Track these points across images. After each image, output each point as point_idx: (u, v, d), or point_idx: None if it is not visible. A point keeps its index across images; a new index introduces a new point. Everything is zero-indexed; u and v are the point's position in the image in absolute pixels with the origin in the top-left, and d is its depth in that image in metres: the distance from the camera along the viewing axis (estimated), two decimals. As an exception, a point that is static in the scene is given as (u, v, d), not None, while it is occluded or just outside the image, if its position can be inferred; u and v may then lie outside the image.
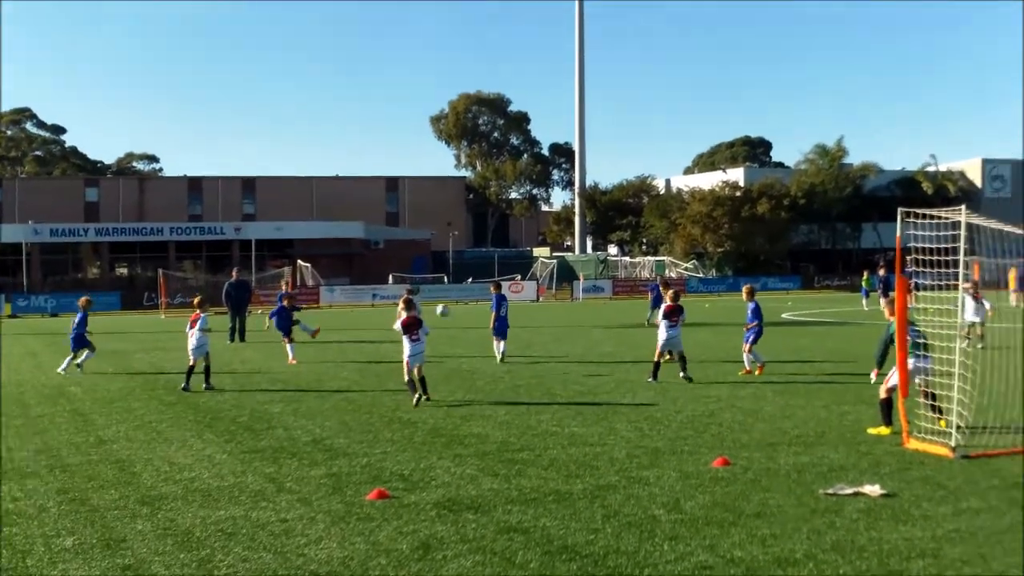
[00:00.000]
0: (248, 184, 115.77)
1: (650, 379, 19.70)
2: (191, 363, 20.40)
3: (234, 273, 34.72)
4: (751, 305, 20.95)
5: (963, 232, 11.88)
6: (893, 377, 13.44)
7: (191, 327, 20.53)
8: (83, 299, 25.15)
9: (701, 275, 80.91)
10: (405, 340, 17.30)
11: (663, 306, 20.78)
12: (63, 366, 23.92)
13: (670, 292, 21.27)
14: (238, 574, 7.93)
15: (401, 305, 17.93)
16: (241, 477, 11.56)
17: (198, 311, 20.74)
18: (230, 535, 9.01)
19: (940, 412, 13.12)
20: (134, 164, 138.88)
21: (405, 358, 17.29)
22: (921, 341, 13.40)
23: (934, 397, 13.38)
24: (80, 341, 24.20)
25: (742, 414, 15.42)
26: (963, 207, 12.08)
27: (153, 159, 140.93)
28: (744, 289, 21.74)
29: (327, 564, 8.11)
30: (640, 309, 55.49)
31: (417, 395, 16.95)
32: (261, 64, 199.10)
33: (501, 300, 25.88)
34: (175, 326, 47.34)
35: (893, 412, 13.29)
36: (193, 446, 13.77)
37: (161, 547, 8.70)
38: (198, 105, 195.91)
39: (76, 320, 24.52)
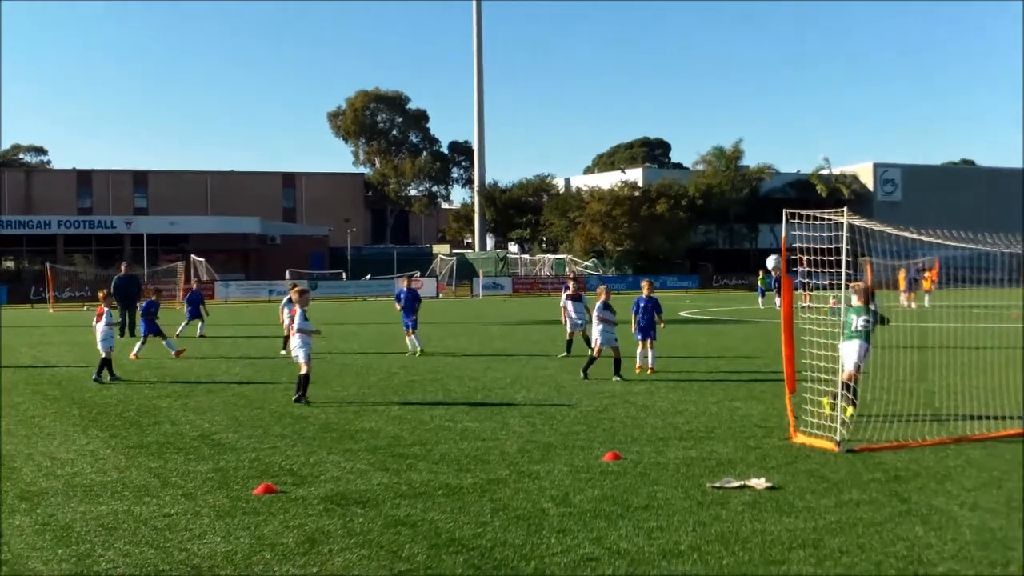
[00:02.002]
0: (140, 178, 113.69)
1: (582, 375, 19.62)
2: (103, 356, 20.14)
3: (122, 267, 34.04)
4: (642, 300, 20.91)
5: (845, 233, 12.12)
6: (848, 363, 13.96)
7: (97, 321, 20.30)
8: None
9: (601, 273, 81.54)
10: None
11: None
12: None
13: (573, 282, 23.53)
14: (118, 569, 7.75)
15: (296, 296, 17.41)
16: (125, 472, 11.31)
17: (102, 305, 20.56)
18: (111, 530, 8.80)
19: (854, 401, 13.80)
20: (21, 156, 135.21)
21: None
22: (869, 329, 14.17)
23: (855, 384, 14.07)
24: None
25: (635, 409, 15.54)
26: (845, 209, 12.33)
27: (40, 151, 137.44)
28: (644, 284, 21.52)
29: (210, 558, 7.97)
30: (541, 306, 55.79)
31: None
32: (153, 56, 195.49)
33: (400, 293, 26.31)
34: (63, 320, 46.34)
35: (842, 395, 13.58)
36: (76, 441, 13.45)
37: (39, 543, 8.47)
38: (87, 97, 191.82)
39: None
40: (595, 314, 19.85)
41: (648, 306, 20.72)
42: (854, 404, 13.74)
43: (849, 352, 14.10)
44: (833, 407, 12.77)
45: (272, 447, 12.71)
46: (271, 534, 8.61)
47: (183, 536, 8.59)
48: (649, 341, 20.63)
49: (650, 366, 20.43)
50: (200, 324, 32.72)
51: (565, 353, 23.96)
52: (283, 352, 24.34)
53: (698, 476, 10.66)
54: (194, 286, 35.43)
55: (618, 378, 19.13)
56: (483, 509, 9.36)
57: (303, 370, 16.47)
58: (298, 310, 16.81)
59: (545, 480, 10.56)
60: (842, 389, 13.30)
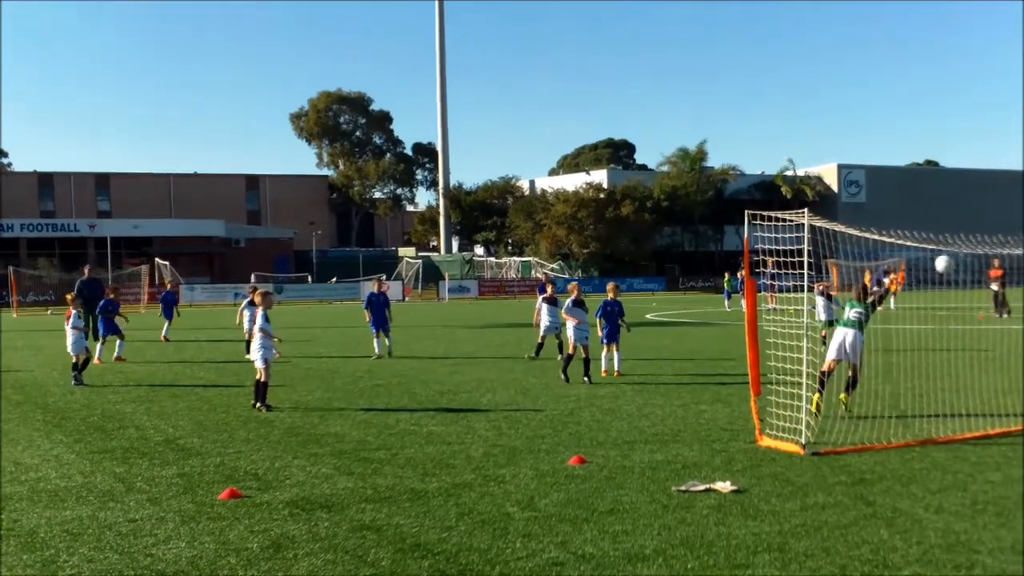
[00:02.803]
0: (102, 180, 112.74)
1: (562, 376, 19.68)
2: (73, 359, 20.36)
3: (86, 271, 33.78)
4: (608, 302, 20.94)
5: (807, 235, 12.21)
6: (832, 351, 14.97)
7: (66, 323, 20.69)
8: None
9: (567, 276, 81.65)
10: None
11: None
12: None
13: (550, 285, 24.53)
14: (83, 574, 7.70)
15: (258, 298, 17.32)
16: (89, 477, 11.24)
17: (71, 308, 20.86)
18: (76, 535, 8.75)
19: (851, 389, 14.99)
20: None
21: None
22: (862, 320, 15.01)
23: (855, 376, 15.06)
24: None
25: (601, 413, 15.58)
26: (806, 211, 12.42)
27: (1, 153, 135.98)
28: (610, 287, 21.56)
29: (175, 564, 7.93)
30: (507, 309, 55.85)
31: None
32: (113, 57, 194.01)
33: (370, 297, 26.56)
34: (27, 324, 45.95)
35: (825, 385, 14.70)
36: (41, 446, 13.36)
37: (3, 548, 8.41)
38: (48, 99, 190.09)
39: None
40: (564, 311, 19.90)
41: (613, 309, 20.72)
42: (820, 393, 14.32)
43: (837, 340, 15.02)
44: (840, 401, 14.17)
45: (237, 452, 12.66)
46: (236, 539, 8.58)
47: (148, 541, 8.55)
48: (614, 344, 20.67)
49: (616, 369, 20.48)
50: (166, 327, 32.76)
51: (533, 355, 23.98)
52: (247, 356, 24.25)
53: (663, 480, 10.69)
54: (168, 286, 35.74)
55: (587, 379, 19.19)
56: (448, 513, 9.36)
57: (261, 376, 16.32)
58: (260, 311, 16.69)
59: (510, 484, 10.57)
60: (820, 376, 14.19)
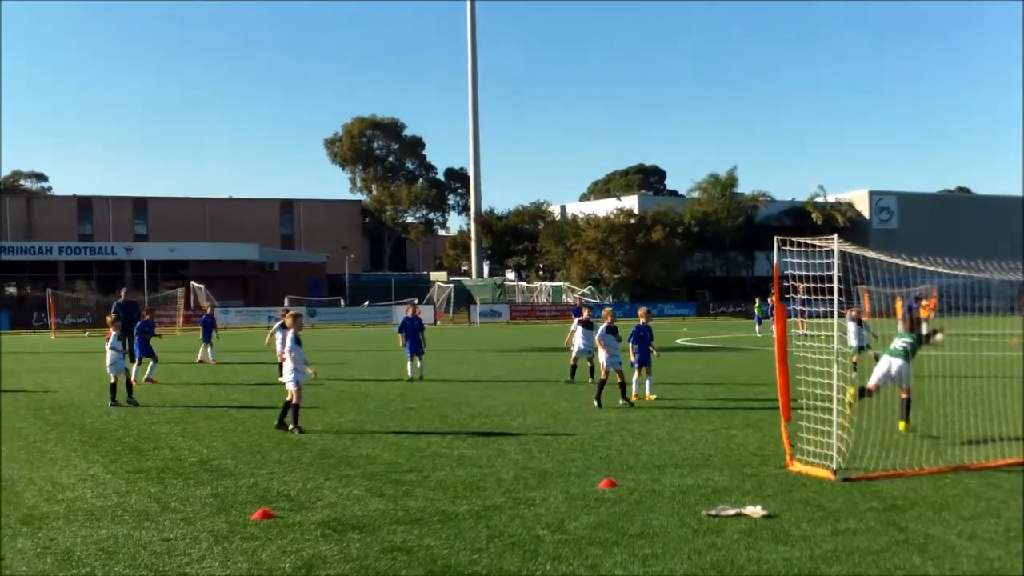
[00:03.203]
0: (139, 204, 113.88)
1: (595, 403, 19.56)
2: (111, 380, 20.60)
3: (122, 293, 34.09)
4: (638, 327, 20.97)
5: (836, 260, 12.22)
6: (876, 375, 15.54)
7: (107, 343, 20.94)
8: None
9: (598, 300, 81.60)
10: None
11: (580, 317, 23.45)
12: None
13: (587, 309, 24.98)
14: (117, 594, 7.81)
15: (289, 320, 17.41)
16: (125, 497, 11.37)
17: (111, 329, 21.11)
18: (111, 554, 8.87)
19: (907, 414, 15.41)
20: (22, 182, 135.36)
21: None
22: (910, 348, 15.37)
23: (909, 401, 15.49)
24: None
25: (631, 437, 15.60)
26: (835, 236, 12.43)
27: (41, 177, 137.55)
28: (642, 312, 21.65)
29: (209, 584, 8.03)
30: (538, 333, 55.86)
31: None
32: (153, 82, 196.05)
33: (405, 321, 26.81)
34: (65, 346, 46.39)
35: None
36: (77, 466, 13.51)
37: (40, 566, 8.53)
38: (88, 123, 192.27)
39: None
40: (598, 338, 19.93)
41: (645, 334, 20.78)
42: (859, 395, 15.17)
43: (882, 367, 15.50)
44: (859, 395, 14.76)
45: (270, 473, 12.76)
46: (269, 559, 8.67)
47: (182, 561, 8.65)
48: (646, 368, 20.69)
49: (648, 393, 20.50)
50: (206, 349, 33.11)
51: (569, 378, 24.10)
52: (281, 378, 24.43)
53: (694, 504, 10.70)
54: (208, 310, 36.14)
55: (624, 401, 19.26)
56: (479, 536, 9.41)
57: (292, 398, 16.36)
58: (290, 334, 16.78)
59: (541, 507, 10.60)
60: (862, 395, 15.07)
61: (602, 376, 19.79)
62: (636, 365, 20.62)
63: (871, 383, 15.47)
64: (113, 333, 20.97)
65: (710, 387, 23.42)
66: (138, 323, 26.27)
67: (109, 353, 20.69)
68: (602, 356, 19.74)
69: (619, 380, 19.59)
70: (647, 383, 20.71)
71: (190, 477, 12.55)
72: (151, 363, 25.49)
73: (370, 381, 25.87)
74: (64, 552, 8.96)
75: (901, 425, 15.36)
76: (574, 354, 24.23)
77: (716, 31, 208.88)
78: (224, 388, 24.28)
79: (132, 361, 25.75)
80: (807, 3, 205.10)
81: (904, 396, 15.54)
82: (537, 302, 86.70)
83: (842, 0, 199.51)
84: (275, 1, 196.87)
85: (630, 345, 20.66)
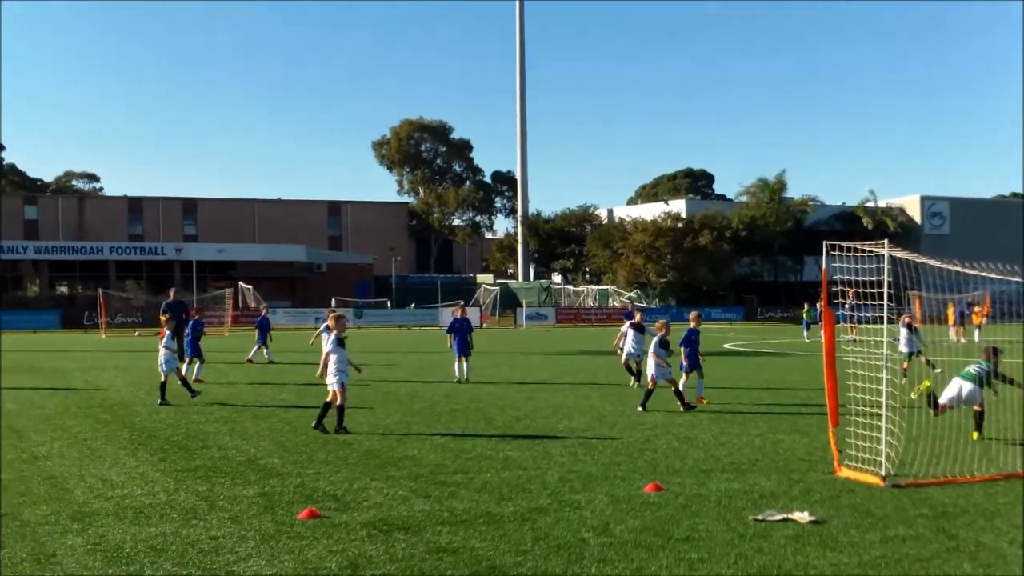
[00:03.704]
0: (189, 205, 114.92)
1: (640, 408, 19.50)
2: (162, 379, 20.90)
3: (171, 293, 34.46)
4: (689, 331, 20.88)
5: (886, 265, 12.11)
6: (947, 394, 15.63)
7: (161, 342, 21.24)
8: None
9: (644, 304, 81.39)
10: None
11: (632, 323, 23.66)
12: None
13: (639, 313, 25.08)
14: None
15: (332, 322, 17.40)
16: (173, 495, 11.48)
17: (164, 329, 21.41)
18: (160, 551, 8.95)
19: (981, 426, 15.50)
20: (74, 182, 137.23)
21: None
22: (984, 376, 15.45)
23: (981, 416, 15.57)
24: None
25: (677, 441, 15.54)
26: (885, 241, 12.32)
27: (93, 178, 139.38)
28: (692, 316, 21.56)
29: (255, 582, 8.09)
30: (584, 337, 55.76)
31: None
32: (203, 84, 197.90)
33: (454, 323, 26.96)
34: (115, 346, 46.93)
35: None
36: (127, 464, 13.66)
37: (90, 562, 8.63)
38: (139, 124, 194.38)
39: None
40: (652, 351, 19.75)
41: (696, 339, 20.73)
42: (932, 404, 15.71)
43: (953, 389, 15.55)
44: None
45: (316, 473, 12.84)
46: (315, 558, 8.71)
47: (229, 559, 8.72)
48: (696, 372, 20.63)
49: (698, 395, 20.43)
50: (261, 350, 33.40)
51: (637, 383, 23.65)
52: (321, 378, 24.58)
53: (740, 508, 10.65)
54: (263, 311, 36.41)
55: (683, 407, 19.26)
56: (524, 538, 9.42)
57: (337, 399, 16.41)
58: (333, 335, 16.79)
59: (586, 510, 10.59)
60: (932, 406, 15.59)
61: (649, 386, 19.71)
62: (686, 369, 20.54)
63: (942, 400, 15.47)
64: (167, 332, 21.21)
65: (757, 392, 23.29)
66: (191, 322, 26.60)
67: (162, 352, 20.94)
68: (652, 368, 19.65)
69: (673, 388, 19.60)
70: (698, 385, 20.64)
71: (237, 476, 12.65)
72: (198, 363, 25.70)
73: (416, 382, 25.96)
74: (113, 549, 9.06)
75: (974, 435, 15.34)
76: (623, 357, 24.24)
77: (765, 35, 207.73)
78: (271, 388, 24.45)
79: (182, 360, 26.01)
80: (859, 5, 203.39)
81: (977, 410, 15.59)
82: (583, 305, 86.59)
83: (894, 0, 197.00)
84: (325, 3, 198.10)
85: (681, 349, 20.58)
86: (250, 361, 32.92)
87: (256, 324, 35.93)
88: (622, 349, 24.78)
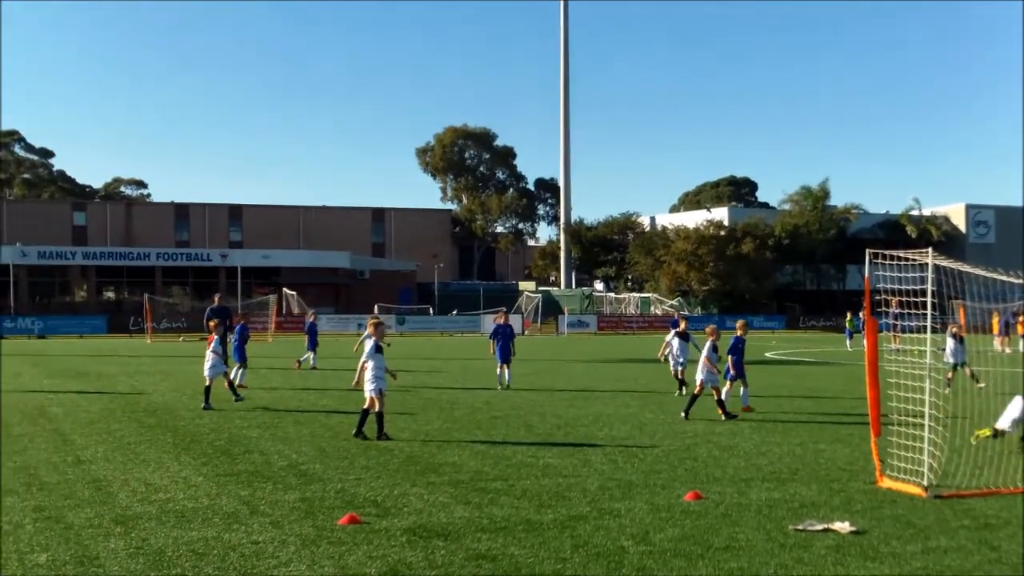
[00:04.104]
0: (235, 211, 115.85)
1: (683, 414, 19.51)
2: (208, 383, 21.09)
3: (216, 299, 34.75)
4: (735, 339, 20.81)
5: (930, 274, 12.02)
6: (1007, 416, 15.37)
7: (209, 347, 21.49)
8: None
9: (686, 312, 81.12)
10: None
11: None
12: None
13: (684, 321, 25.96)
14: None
15: (371, 328, 17.45)
16: (215, 499, 11.58)
17: (213, 334, 21.62)
18: (201, 555, 9.04)
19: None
20: (122, 189, 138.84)
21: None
22: None
23: None
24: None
25: (718, 450, 15.49)
26: (929, 250, 12.23)
27: (141, 184, 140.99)
28: (739, 324, 21.47)
29: (296, 586, 8.15)
30: (626, 344, 55.69)
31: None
32: (249, 92, 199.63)
33: (497, 329, 27.12)
34: (160, 351, 47.38)
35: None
36: (170, 468, 13.79)
37: (133, 566, 8.72)
38: (186, 131, 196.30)
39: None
40: (705, 355, 19.68)
41: (742, 347, 20.69)
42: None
43: (1015, 408, 15.31)
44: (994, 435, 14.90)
45: (357, 478, 12.91)
46: (355, 564, 8.77)
47: (270, 563, 8.79)
48: (741, 380, 20.57)
49: (744, 405, 20.35)
50: (312, 356, 33.61)
51: (684, 390, 23.75)
52: (357, 386, 24.73)
53: (780, 518, 10.60)
54: (311, 318, 36.60)
55: (725, 415, 19.22)
56: (563, 545, 9.43)
57: (375, 406, 16.45)
58: (371, 341, 16.79)
59: (625, 518, 10.59)
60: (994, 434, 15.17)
61: (696, 391, 19.67)
62: (732, 377, 20.46)
63: (1003, 424, 15.31)
64: (215, 337, 21.41)
65: (799, 401, 23.16)
66: (237, 327, 26.89)
67: (210, 357, 21.13)
68: (702, 372, 19.61)
69: (716, 396, 19.52)
70: (742, 393, 20.56)
71: (279, 481, 12.74)
72: (241, 369, 25.93)
73: (457, 389, 26.02)
74: (156, 552, 9.15)
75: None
76: (672, 365, 24.27)
77: (809, 42, 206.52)
78: (313, 394, 24.60)
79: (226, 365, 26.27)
80: (903, 11, 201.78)
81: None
82: (625, 313, 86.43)
83: (939, 1, 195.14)
84: (369, 4, 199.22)
85: (728, 357, 20.50)
86: (305, 366, 33.07)
87: (305, 330, 36.15)
88: (667, 358, 24.80)
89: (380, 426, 16.42)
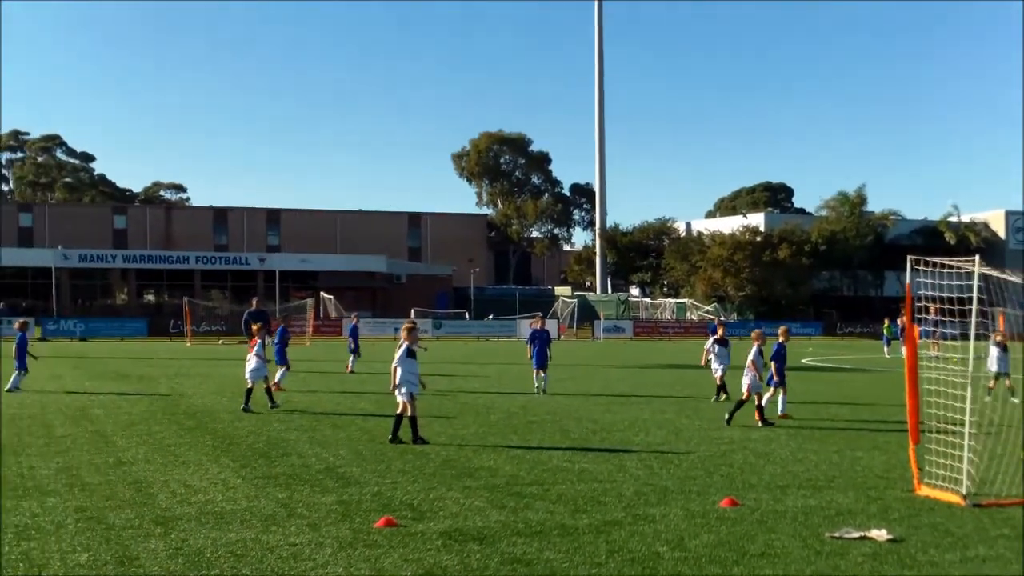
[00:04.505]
0: (273, 216, 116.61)
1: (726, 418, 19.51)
2: (249, 385, 21.24)
3: (253, 302, 35.01)
4: (776, 346, 20.76)
5: (976, 283, 11.94)
6: None
7: (250, 351, 21.62)
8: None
9: (722, 318, 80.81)
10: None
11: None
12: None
13: (722, 327, 25.93)
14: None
15: (404, 332, 17.40)
16: (254, 501, 11.68)
17: (256, 337, 21.78)
18: (239, 557, 9.13)
19: None
20: (161, 193, 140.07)
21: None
22: None
23: None
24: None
25: (754, 456, 15.45)
26: (976, 258, 12.14)
27: (180, 188, 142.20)
28: (782, 330, 21.39)
29: (333, 588, 8.21)
30: (661, 350, 55.57)
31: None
32: (288, 97, 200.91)
33: (534, 334, 27.11)
34: (199, 353, 47.73)
35: None
36: (209, 470, 13.92)
37: (172, 566, 8.82)
38: (225, 136, 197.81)
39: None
40: (752, 360, 19.62)
41: (784, 353, 20.63)
42: None
43: None
44: None
45: (393, 482, 12.98)
46: (391, 567, 8.82)
47: (307, 565, 8.86)
48: (782, 387, 20.50)
49: (781, 411, 20.29)
50: (352, 359, 33.71)
51: (724, 396, 23.95)
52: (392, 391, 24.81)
53: (817, 525, 10.57)
54: (354, 320, 36.68)
55: (763, 422, 19.20)
56: (598, 550, 9.45)
57: (408, 411, 16.49)
58: (404, 346, 16.81)
59: (661, 524, 10.59)
60: None
61: (744, 397, 19.64)
62: (776, 384, 20.37)
63: None
64: (258, 341, 21.58)
65: (835, 408, 23.04)
66: (279, 330, 27.16)
67: (252, 360, 21.24)
68: (748, 378, 19.59)
69: (757, 402, 19.49)
70: (780, 400, 20.50)
71: (316, 484, 12.83)
72: (282, 370, 26.12)
73: (493, 394, 26.07)
74: (195, 553, 9.25)
75: None
76: (714, 373, 24.26)
77: (845, 47, 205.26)
78: (351, 397, 24.72)
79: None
80: (942, 14, 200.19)
81: None
82: (661, 319, 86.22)
83: (977, 2, 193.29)
84: (406, 11, 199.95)
85: (771, 364, 20.43)
86: (351, 372, 33.17)
87: (349, 333, 36.22)
88: (709, 364, 24.92)
89: (414, 430, 16.48)
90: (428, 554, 9.27)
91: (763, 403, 19.79)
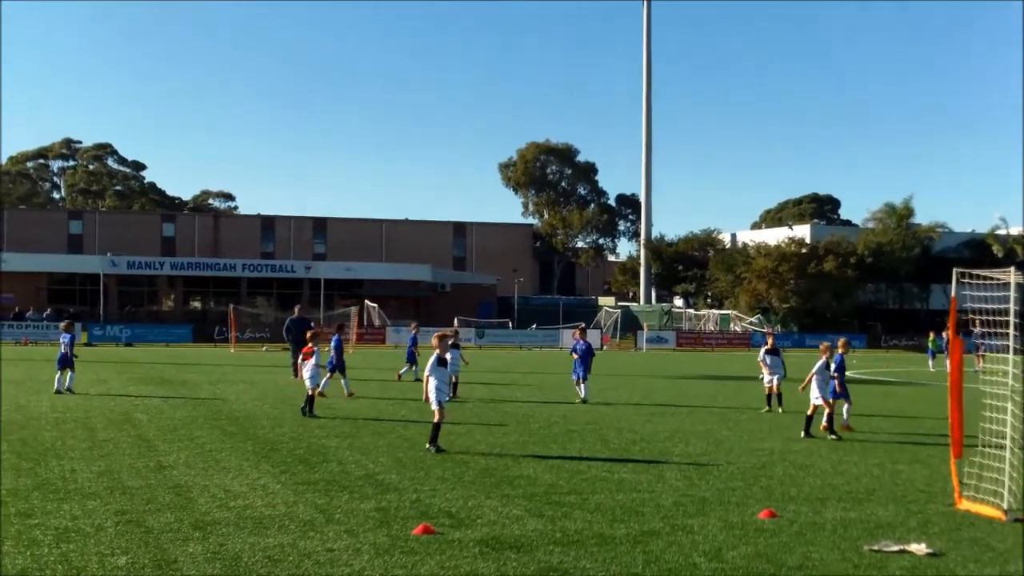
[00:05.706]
0: (319, 224, 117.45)
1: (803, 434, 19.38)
2: (309, 392, 21.72)
3: (296, 310, 35.23)
4: (837, 358, 20.68)
5: (1013, 293, 11.83)
6: None
7: (305, 360, 22.29)
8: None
9: (767, 330, 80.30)
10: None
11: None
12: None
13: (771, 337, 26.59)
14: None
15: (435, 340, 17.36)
16: (292, 507, 11.76)
17: (311, 344, 22.33)
18: (276, 562, 9.20)
19: None
20: (210, 201, 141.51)
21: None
22: None
23: None
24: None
25: (794, 468, 15.37)
26: (1012, 269, 12.03)
27: (228, 196, 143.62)
28: (841, 342, 21.48)
29: (369, 594, 8.25)
30: (704, 361, 55.32)
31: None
32: (336, 108, 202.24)
33: (576, 345, 27.40)
34: (243, 360, 48.09)
35: None
36: (249, 475, 14.02)
37: (210, 570, 8.90)
38: (274, 145, 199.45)
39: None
40: (815, 371, 19.76)
41: (844, 364, 20.61)
42: None
43: None
44: None
45: (432, 489, 13.03)
46: (427, 574, 8.86)
47: (344, 571, 8.92)
48: (844, 399, 20.41)
49: (845, 423, 20.32)
50: (404, 368, 33.48)
51: (768, 408, 24.10)
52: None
53: (855, 538, 10.51)
54: (414, 330, 36.26)
55: (833, 436, 19.13)
56: (635, 560, 9.44)
57: (436, 417, 16.57)
58: (435, 354, 16.85)
59: (699, 534, 10.57)
60: None
61: (819, 409, 19.60)
62: (837, 396, 20.20)
63: None
64: (315, 350, 22.10)
65: (878, 420, 22.86)
66: (333, 337, 27.54)
67: (309, 367, 21.83)
68: (816, 389, 19.59)
69: (827, 412, 19.48)
70: (844, 411, 20.48)
71: (355, 490, 12.90)
72: (342, 378, 26.60)
73: (534, 403, 26.08)
74: (232, 558, 9.33)
75: None
76: (767, 383, 24.45)
77: (893, 61, 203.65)
78: (392, 404, 24.80)
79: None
80: (992, 24, 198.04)
81: None
82: (704, 330, 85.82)
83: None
84: (455, 23, 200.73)
85: (835, 376, 20.27)
86: (406, 377, 32.98)
87: (409, 342, 35.76)
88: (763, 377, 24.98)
89: (433, 436, 16.54)
90: (465, 562, 9.30)
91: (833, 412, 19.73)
